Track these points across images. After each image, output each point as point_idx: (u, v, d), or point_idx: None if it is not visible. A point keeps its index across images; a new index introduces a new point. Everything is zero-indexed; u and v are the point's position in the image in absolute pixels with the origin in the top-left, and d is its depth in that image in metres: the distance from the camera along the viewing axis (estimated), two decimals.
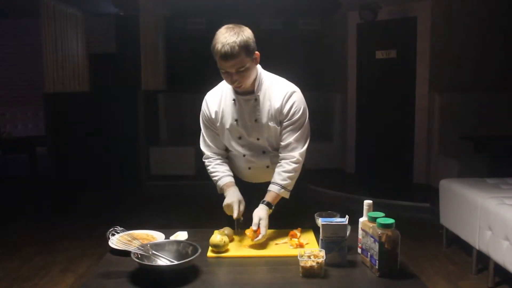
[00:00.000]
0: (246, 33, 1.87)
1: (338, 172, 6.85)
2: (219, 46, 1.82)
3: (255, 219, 1.90)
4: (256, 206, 1.97)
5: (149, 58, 6.62)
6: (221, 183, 2.08)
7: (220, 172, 2.11)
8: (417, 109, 5.97)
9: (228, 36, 1.82)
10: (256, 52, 1.93)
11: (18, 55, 7.68)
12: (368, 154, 6.50)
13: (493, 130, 5.44)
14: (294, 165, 2.02)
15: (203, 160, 2.18)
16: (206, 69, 7.58)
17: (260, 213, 1.93)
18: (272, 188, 2.01)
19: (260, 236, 1.87)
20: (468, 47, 5.70)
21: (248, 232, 1.90)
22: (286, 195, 2.03)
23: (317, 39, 7.60)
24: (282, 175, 2.01)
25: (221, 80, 2.15)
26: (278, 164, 2.05)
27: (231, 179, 2.09)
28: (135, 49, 6.48)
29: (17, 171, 6.65)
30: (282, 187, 2.00)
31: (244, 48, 1.84)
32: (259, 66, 2.03)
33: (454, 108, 5.74)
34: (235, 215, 1.95)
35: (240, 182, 2.16)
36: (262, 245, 1.89)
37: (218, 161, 2.14)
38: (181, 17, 7.54)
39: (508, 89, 5.71)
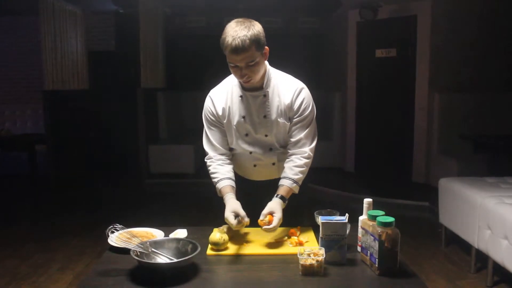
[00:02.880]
0: (257, 27, 1.86)
1: (337, 170, 6.85)
2: (229, 39, 1.80)
3: (265, 211, 1.89)
4: (260, 204, 1.95)
5: (149, 56, 6.61)
6: (219, 186, 2.03)
7: (220, 173, 2.05)
8: (417, 108, 5.96)
9: (239, 30, 1.80)
10: (266, 47, 1.92)
11: (17, 52, 7.67)
12: (367, 153, 6.50)
13: (493, 129, 5.43)
14: (306, 160, 2.02)
15: (205, 160, 2.13)
16: (206, 67, 7.61)
17: (274, 206, 1.91)
18: (285, 182, 1.99)
19: (271, 226, 1.85)
20: (469, 47, 5.70)
21: (261, 220, 1.88)
22: (297, 190, 2.01)
23: (317, 37, 7.60)
24: (294, 169, 2.00)
25: (222, 77, 2.14)
26: (288, 160, 2.04)
27: (229, 183, 2.03)
28: (134, 47, 6.46)
29: (16, 169, 6.63)
30: (294, 181, 1.99)
31: (255, 42, 1.82)
32: (266, 62, 2.02)
33: (454, 107, 5.73)
34: (233, 227, 1.88)
35: (244, 181, 2.15)
36: (262, 243, 1.89)
37: (220, 162, 2.08)
38: (181, 15, 7.53)
39: (508, 89, 5.71)
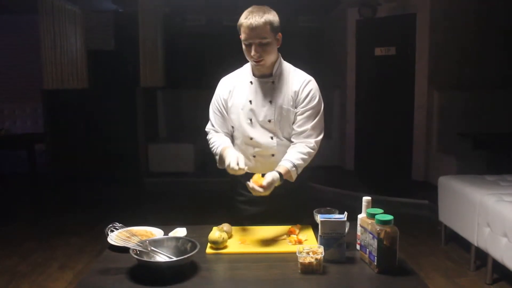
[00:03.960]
0: (273, 13, 2.00)
1: (337, 169, 6.86)
2: (246, 16, 1.95)
3: (267, 180, 1.87)
4: (258, 202, 1.94)
5: (148, 55, 6.61)
6: (219, 149, 2.06)
7: (221, 141, 2.10)
8: (416, 106, 5.96)
9: (256, 11, 1.95)
10: (280, 33, 2.02)
11: (16, 51, 7.65)
12: (367, 151, 6.51)
13: (492, 127, 5.44)
14: (310, 150, 2.03)
15: (206, 130, 2.20)
16: (206, 65, 7.60)
17: (274, 178, 1.88)
18: (285, 163, 1.98)
19: (261, 190, 1.84)
20: (468, 44, 5.70)
21: (254, 178, 1.87)
22: (294, 175, 1.99)
23: (317, 36, 7.59)
24: (297, 154, 2.00)
25: (221, 76, 2.19)
26: (292, 146, 2.05)
27: (229, 144, 2.09)
28: (134, 46, 6.47)
29: (16, 168, 6.63)
30: (294, 165, 1.97)
31: (270, 23, 1.95)
32: (279, 54, 2.09)
33: (453, 105, 5.73)
34: (239, 172, 1.89)
35: (243, 177, 2.13)
36: (261, 242, 1.90)
37: (223, 134, 2.15)
38: (180, 14, 7.52)
39: (507, 87, 5.71)
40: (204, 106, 2.20)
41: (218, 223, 1.98)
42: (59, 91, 6.27)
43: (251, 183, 1.85)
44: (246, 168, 1.90)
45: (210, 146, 2.15)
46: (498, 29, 5.66)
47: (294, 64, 2.17)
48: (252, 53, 1.96)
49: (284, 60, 2.15)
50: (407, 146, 6.07)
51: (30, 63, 7.45)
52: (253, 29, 1.92)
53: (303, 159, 2.00)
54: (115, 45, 7.62)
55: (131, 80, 6.63)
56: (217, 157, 2.09)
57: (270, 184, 1.87)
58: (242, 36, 1.98)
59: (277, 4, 2.07)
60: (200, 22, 7.55)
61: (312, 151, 2.03)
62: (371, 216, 1.66)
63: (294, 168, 1.97)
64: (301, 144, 2.03)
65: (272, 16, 1.97)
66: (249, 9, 1.99)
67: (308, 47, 7.49)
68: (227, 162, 1.93)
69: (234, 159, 1.90)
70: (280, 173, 1.93)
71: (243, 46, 2.00)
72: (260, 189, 1.84)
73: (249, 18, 1.93)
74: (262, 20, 1.92)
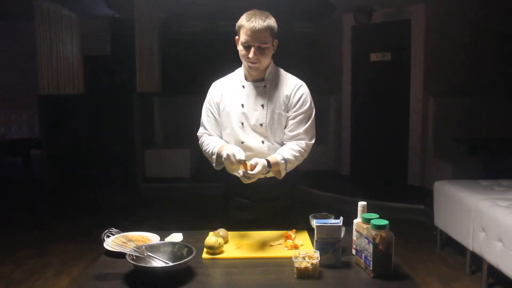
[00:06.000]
0: (273, 20, 2.02)
1: (333, 174, 6.87)
2: (248, 19, 1.96)
3: (255, 159, 1.89)
4: (253, 208, 1.94)
5: (144, 61, 6.62)
6: (215, 149, 2.06)
7: (217, 141, 2.10)
8: (412, 111, 5.99)
9: (258, 15, 1.97)
10: (276, 40, 2.04)
11: (12, 57, 7.65)
12: (362, 156, 6.52)
13: (487, 132, 5.47)
14: (301, 150, 2.03)
15: (198, 134, 2.20)
16: (201, 71, 7.59)
17: (261, 161, 1.89)
18: (275, 155, 1.99)
19: (252, 172, 1.84)
20: (463, 50, 5.73)
21: (245, 166, 1.87)
22: (282, 169, 1.98)
23: (312, 41, 7.63)
24: (288, 150, 2.01)
25: (216, 78, 2.20)
26: (284, 145, 2.06)
27: (225, 143, 2.08)
28: (130, 51, 6.47)
29: (11, 174, 6.61)
30: (284, 158, 1.97)
31: (270, 27, 1.98)
32: (271, 59, 2.09)
33: (448, 110, 5.77)
34: (236, 165, 1.89)
35: (235, 180, 2.14)
36: (257, 247, 1.90)
37: (216, 137, 2.14)
38: (176, 20, 7.54)
39: (502, 92, 5.75)
40: (200, 112, 2.20)
41: (214, 228, 1.98)
42: (55, 97, 6.26)
43: (240, 170, 1.86)
44: (244, 158, 1.89)
45: (204, 148, 2.13)
46: (493, 35, 5.70)
47: (289, 69, 2.19)
48: (251, 55, 1.97)
49: (279, 65, 2.16)
50: (403, 151, 6.09)
51: (26, 69, 7.45)
52: (255, 32, 1.94)
53: (293, 156, 2.00)
54: (111, 50, 7.64)
55: (127, 86, 6.63)
56: (213, 157, 2.07)
57: (257, 163, 1.87)
58: (242, 38, 1.98)
59: (273, 10, 2.08)
60: (196, 28, 7.58)
61: (303, 151, 2.04)
62: (367, 221, 1.67)
63: (283, 161, 1.97)
64: (292, 143, 2.04)
65: (273, 22, 2.00)
66: (251, 12, 2.00)
67: (304, 53, 7.52)
68: (224, 155, 1.93)
69: (231, 150, 1.91)
70: (268, 161, 1.93)
71: (240, 47, 2.01)
72: (251, 172, 1.84)
73: (252, 21, 1.94)
74: (265, 24, 1.94)
